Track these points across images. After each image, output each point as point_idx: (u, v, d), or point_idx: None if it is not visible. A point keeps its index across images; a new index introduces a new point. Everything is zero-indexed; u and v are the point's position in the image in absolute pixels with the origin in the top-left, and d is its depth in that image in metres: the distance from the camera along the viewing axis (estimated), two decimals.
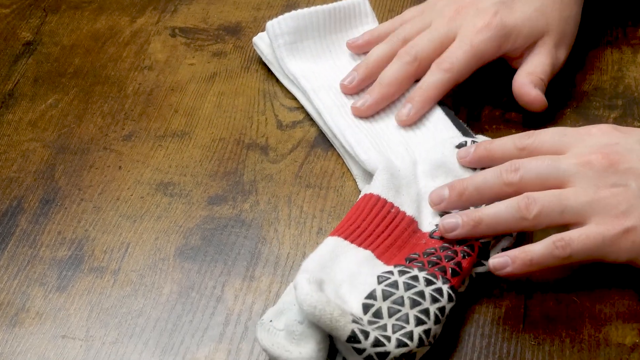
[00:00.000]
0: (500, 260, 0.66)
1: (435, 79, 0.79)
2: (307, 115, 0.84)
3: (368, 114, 0.80)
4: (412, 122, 0.79)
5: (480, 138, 0.77)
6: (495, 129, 0.81)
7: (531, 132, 0.71)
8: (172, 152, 0.81)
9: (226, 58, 0.90)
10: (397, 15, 0.88)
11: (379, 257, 0.68)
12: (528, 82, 0.79)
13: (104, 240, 0.74)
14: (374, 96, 0.80)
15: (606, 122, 0.81)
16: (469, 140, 0.75)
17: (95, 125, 0.84)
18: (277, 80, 0.87)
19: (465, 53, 0.79)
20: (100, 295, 0.70)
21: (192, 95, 0.87)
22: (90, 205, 0.77)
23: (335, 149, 0.81)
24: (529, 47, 0.81)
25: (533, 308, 0.68)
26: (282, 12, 0.87)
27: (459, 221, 0.68)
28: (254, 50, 0.90)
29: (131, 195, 0.78)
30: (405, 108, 0.79)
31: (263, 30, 0.88)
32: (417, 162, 0.76)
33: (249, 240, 0.73)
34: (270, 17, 0.86)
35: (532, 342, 0.66)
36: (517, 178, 0.68)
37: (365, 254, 0.68)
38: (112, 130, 0.84)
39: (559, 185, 0.67)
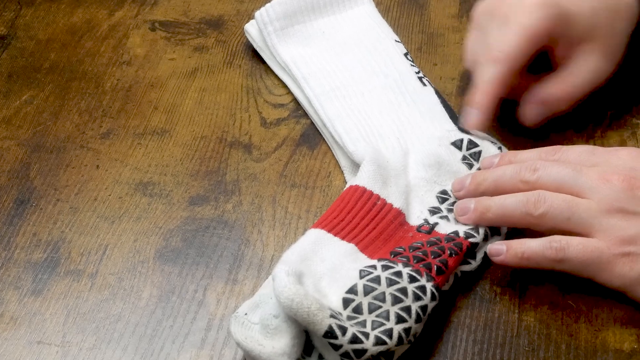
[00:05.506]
0: (496, 247, 0.68)
1: (490, 73, 0.75)
2: (292, 113, 0.83)
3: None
4: (484, 127, 0.75)
5: (476, 133, 0.76)
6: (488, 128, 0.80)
7: (559, 147, 0.72)
8: (151, 150, 0.80)
9: (208, 53, 0.90)
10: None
11: (362, 250, 0.68)
12: (540, 100, 0.77)
13: (80, 242, 0.73)
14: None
15: (603, 119, 0.80)
16: (465, 137, 0.75)
17: (71, 122, 0.83)
18: (261, 76, 0.87)
19: (516, 35, 0.74)
20: (77, 300, 0.70)
21: (173, 91, 0.86)
22: (67, 206, 0.76)
23: (320, 145, 0.80)
24: (576, 46, 0.76)
25: (527, 313, 0.67)
26: (265, 4, 0.86)
27: (470, 206, 0.70)
28: (237, 44, 0.90)
29: (109, 195, 0.77)
30: (471, 114, 0.75)
31: (247, 22, 0.88)
32: (410, 151, 0.75)
33: (231, 242, 0.73)
34: (254, 10, 0.86)
35: (527, 348, 0.65)
36: (534, 178, 0.69)
37: (348, 248, 0.67)
38: (89, 128, 0.83)
39: (573, 195, 0.67)
